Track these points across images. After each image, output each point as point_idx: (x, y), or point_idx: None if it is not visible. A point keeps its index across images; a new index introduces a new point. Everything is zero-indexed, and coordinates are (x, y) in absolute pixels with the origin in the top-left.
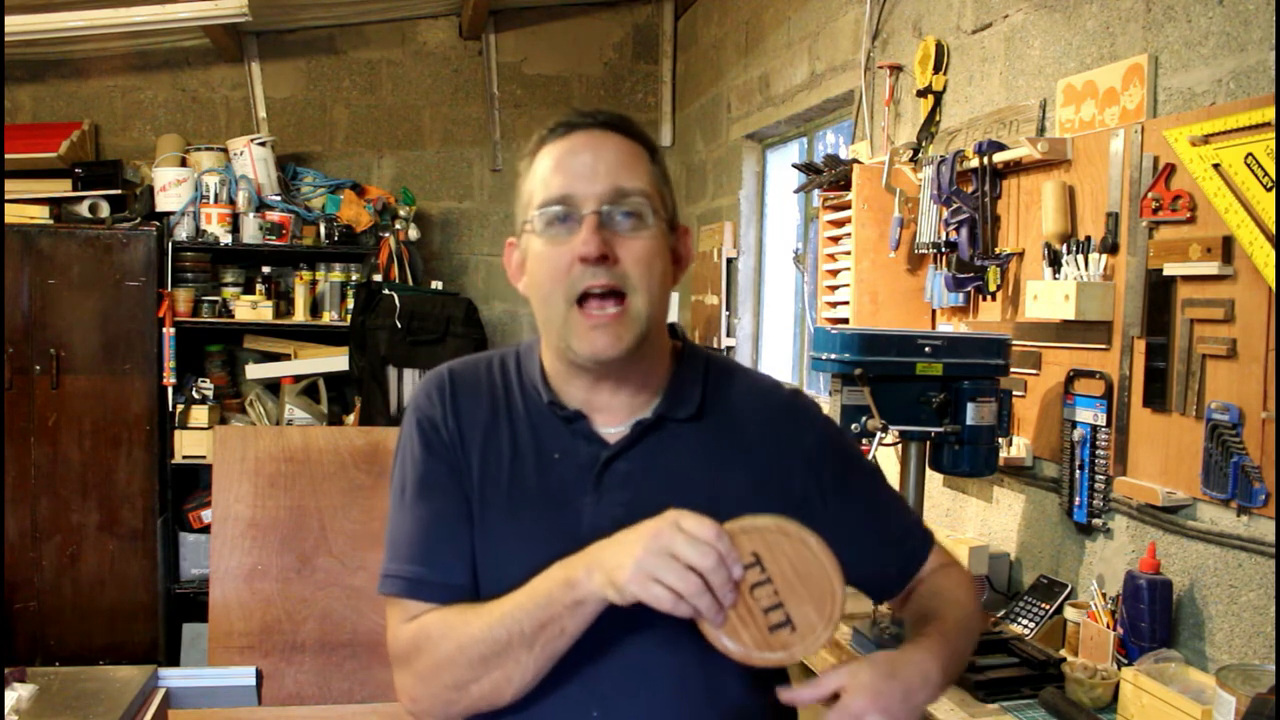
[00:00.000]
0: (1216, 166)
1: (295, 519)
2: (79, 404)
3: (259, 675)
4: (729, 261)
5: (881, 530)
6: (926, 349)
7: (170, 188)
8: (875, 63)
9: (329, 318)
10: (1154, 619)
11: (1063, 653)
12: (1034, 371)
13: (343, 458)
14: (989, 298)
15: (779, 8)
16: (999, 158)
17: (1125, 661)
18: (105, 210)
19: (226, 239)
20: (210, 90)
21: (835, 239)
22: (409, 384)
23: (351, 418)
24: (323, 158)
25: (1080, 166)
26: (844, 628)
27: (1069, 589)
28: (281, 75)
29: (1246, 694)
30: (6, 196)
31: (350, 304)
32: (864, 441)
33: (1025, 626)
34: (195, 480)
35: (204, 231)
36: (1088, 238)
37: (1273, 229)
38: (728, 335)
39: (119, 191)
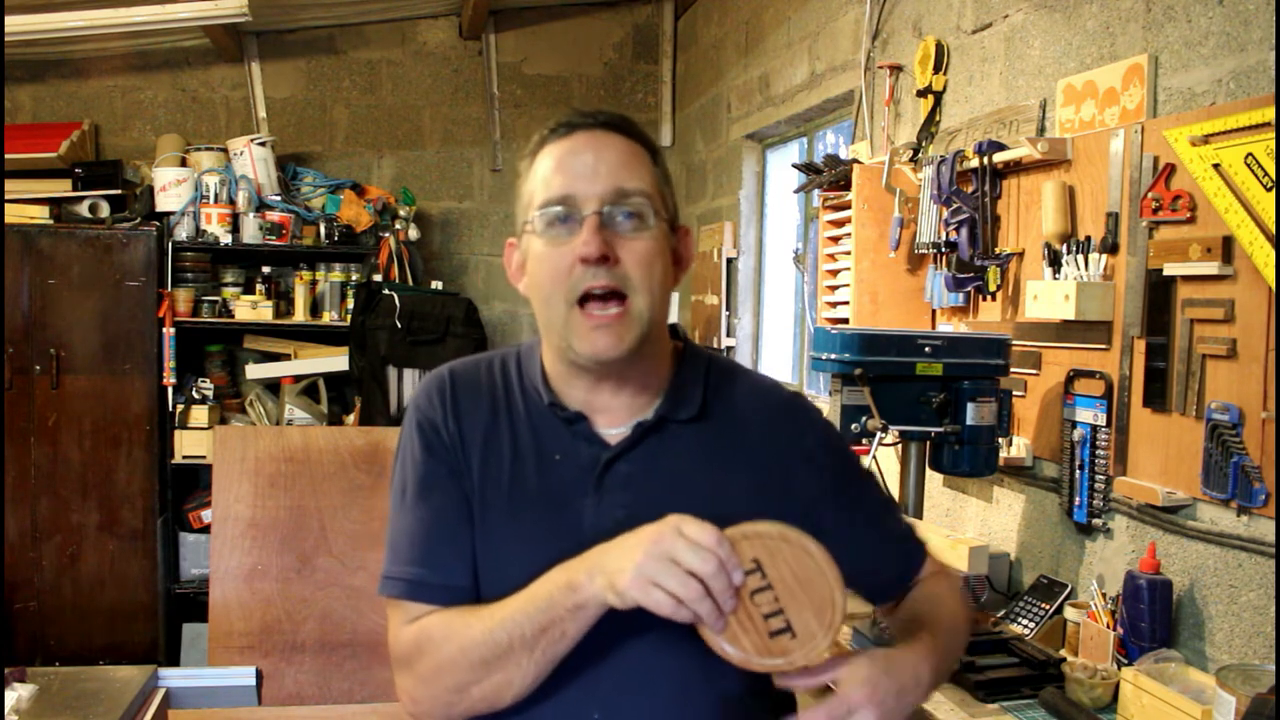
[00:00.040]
0: (1216, 166)
1: (295, 519)
2: (79, 404)
3: (259, 675)
4: (729, 261)
5: (881, 534)
6: (926, 349)
7: (170, 188)
8: (875, 63)
9: (329, 318)
10: (1154, 619)
11: (1063, 653)
12: (1034, 371)
13: (343, 458)
14: (989, 298)
15: (779, 8)
16: (999, 158)
17: (1125, 661)
18: (105, 210)
19: (226, 239)
20: (210, 90)
21: (835, 239)
22: (409, 384)
23: (351, 418)
24: (323, 158)
25: (1080, 166)
26: (844, 628)
27: (1069, 589)
28: (281, 75)
29: (1246, 694)
30: (6, 196)
31: (350, 304)
32: (864, 441)
33: (1025, 626)
34: (195, 480)
35: (204, 231)
36: (1088, 238)
37: (1273, 229)
38: (728, 335)
39: (119, 191)
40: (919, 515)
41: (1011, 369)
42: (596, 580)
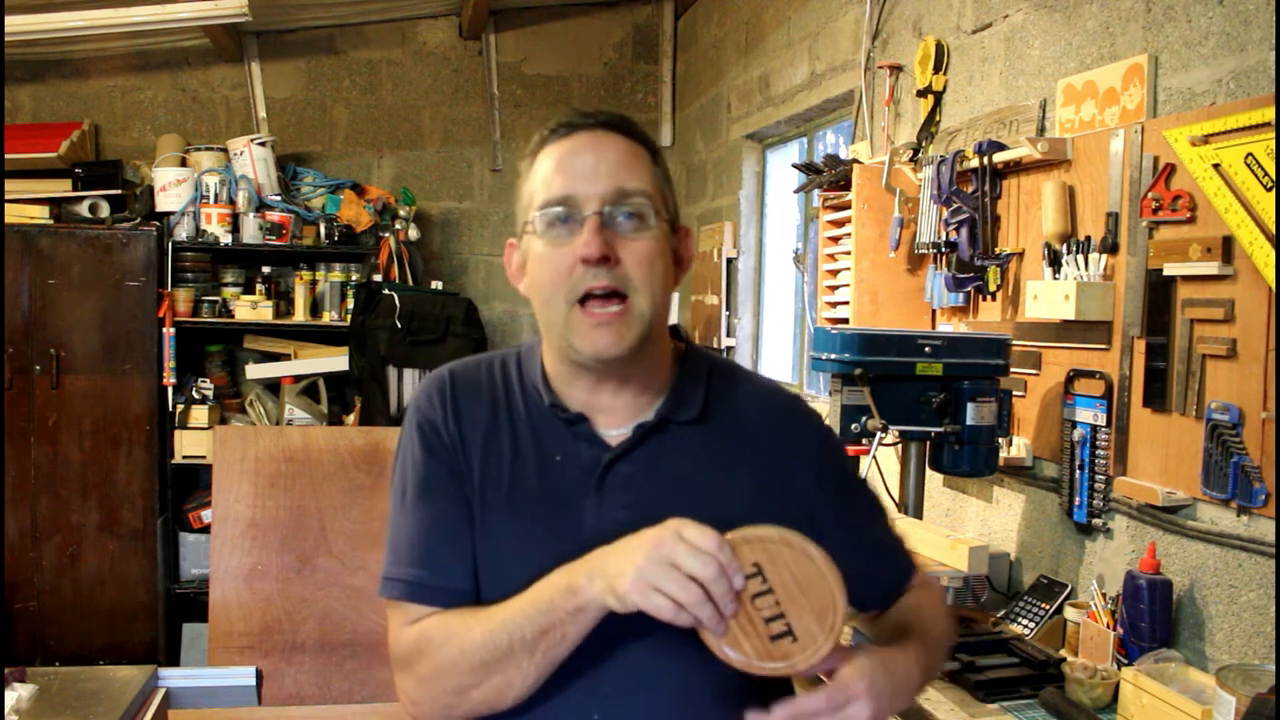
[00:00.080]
0: (1216, 166)
1: (295, 519)
2: (79, 404)
3: (259, 675)
4: (729, 261)
5: (875, 542)
6: (926, 349)
7: (170, 188)
8: (875, 63)
9: (329, 318)
10: (1154, 619)
11: (1063, 653)
12: (1034, 371)
13: (343, 458)
14: (989, 298)
15: (779, 8)
16: (999, 158)
17: (1125, 661)
18: (105, 210)
19: (226, 239)
20: (210, 90)
21: (835, 239)
22: (409, 384)
23: (351, 418)
24: (323, 158)
25: (1080, 166)
26: (845, 631)
27: (1069, 589)
28: (281, 75)
29: (1246, 694)
30: (6, 196)
31: (350, 304)
32: (864, 441)
33: (1025, 626)
34: (195, 480)
35: (204, 231)
36: (1088, 238)
37: (1273, 229)
38: (728, 335)
39: (119, 191)
40: (919, 515)
41: (1011, 369)
42: (596, 583)
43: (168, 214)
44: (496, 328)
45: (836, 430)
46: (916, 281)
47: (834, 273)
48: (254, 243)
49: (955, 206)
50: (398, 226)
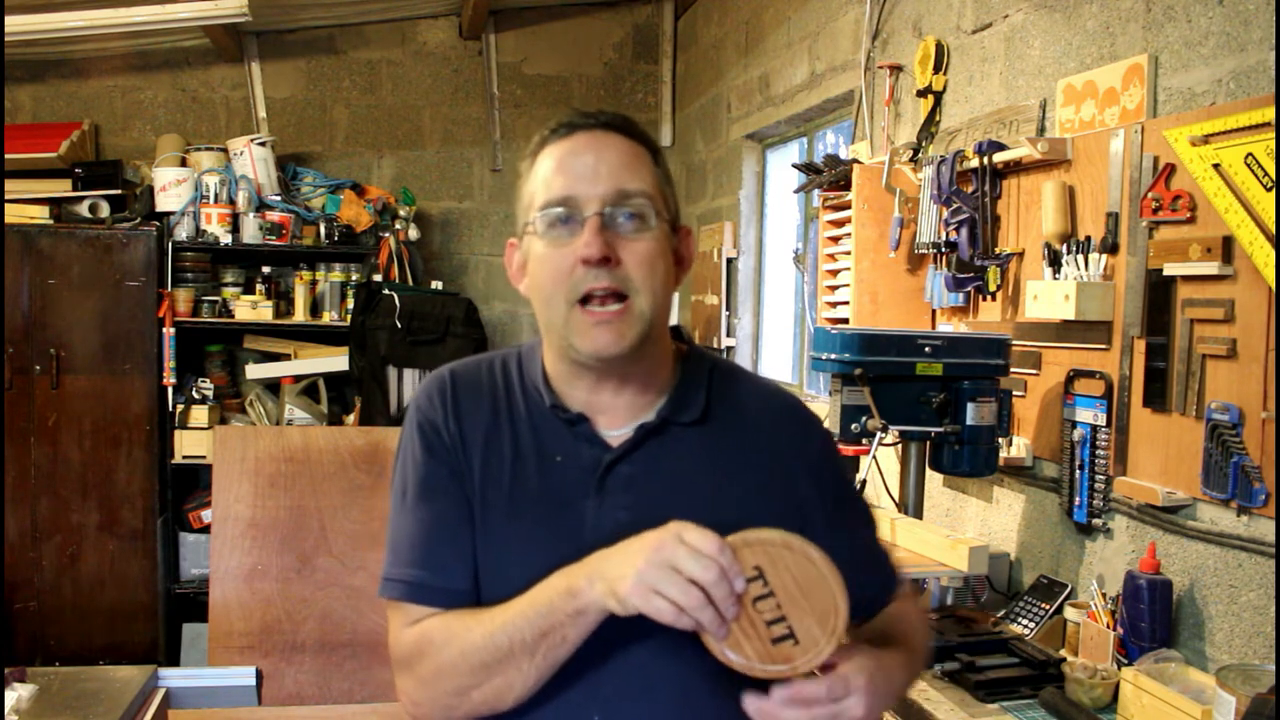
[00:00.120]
0: (1216, 166)
1: (295, 519)
2: (79, 404)
3: (259, 675)
4: (729, 261)
5: (865, 551)
6: (926, 349)
7: (170, 188)
8: (875, 63)
9: (329, 318)
10: (1154, 619)
11: (1063, 653)
12: (1034, 371)
13: (343, 458)
14: (989, 298)
15: (779, 8)
16: (999, 158)
17: (1125, 661)
18: (105, 210)
19: (226, 239)
20: (210, 90)
21: (835, 239)
22: (409, 384)
23: (351, 418)
24: (323, 158)
25: (1080, 166)
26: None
27: (1069, 589)
28: (281, 75)
29: (1246, 694)
30: (6, 196)
31: (350, 304)
32: (864, 441)
33: (1025, 626)
34: (195, 480)
35: (204, 231)
36: (1088, 238)
37: (1273, 229)
38: (728, 335)
39: (119, 191)
40: (919, 515)
41: (1011, 369)
42: (597, 586)
43: (168, 214)
44: (496, 328)
45: (836, 430)
46: (916, 281)
47: (834, 273)
48: (254, 243)
49: (955, 206)
50: (398, 226)
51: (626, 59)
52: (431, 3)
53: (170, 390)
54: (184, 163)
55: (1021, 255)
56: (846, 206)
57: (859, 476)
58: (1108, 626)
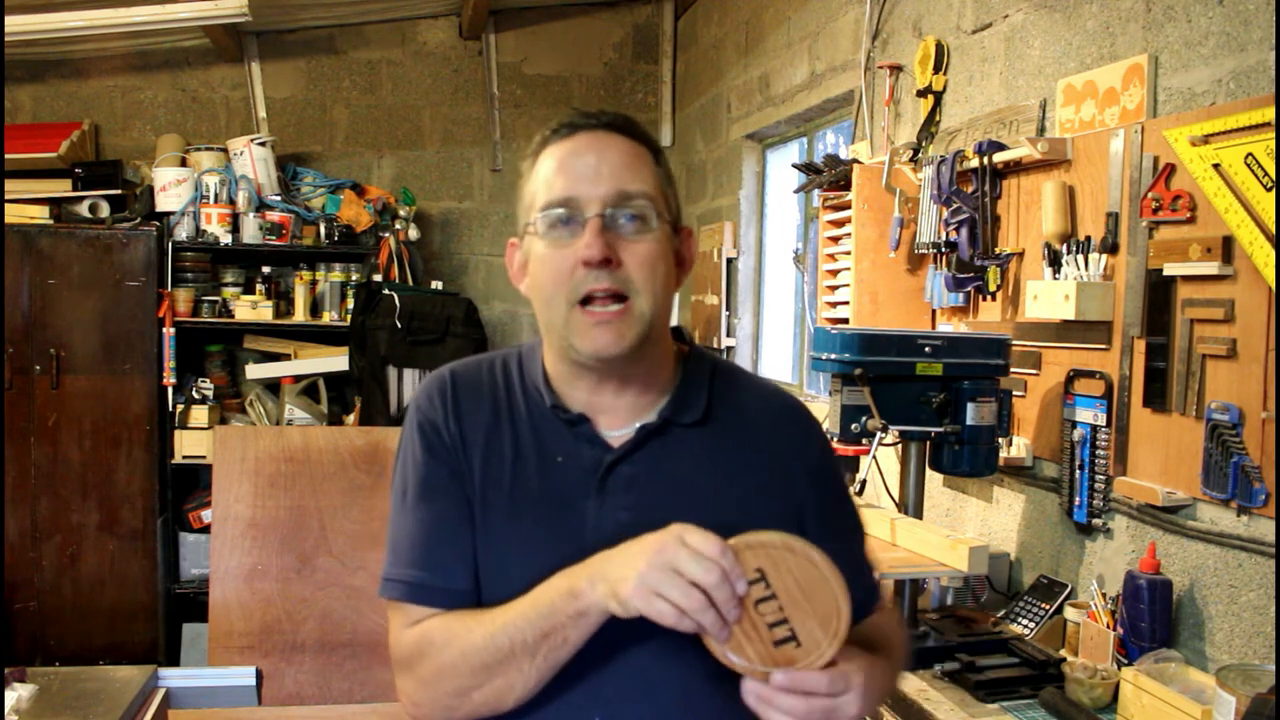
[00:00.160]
0: (1216, 166)
1: (295, 519)
2: (79, 404)
3: (259, 675)
4: (729, 261)
5: (853, 559)
6: (926, 349)
7: (170, 188)
8: (875, 63)
9: (329, 318)
10: (1154, 619)
11: (1063, 653)
12: (1034, 371)
13: (343, 458)
14: (989, 298)
15: (779, 8)
16: (999, 158)
17: (1125, 661)
18: (105, 210)
19: (226, 239)
20: (210, 90)
21: (835, 239)
22: (409, 384)
23: (351, 418)
24: (323, 158)
25: (1080, 166)
26: None
27: (1069, 589)
28: (281, 75)
29: (1246, 694)
30: (6, 196)
31: (350, 304)
32: (864, 441)
33: (1025, 626)
34: (195, 480)
35: (204, 231)
36: (1088, 238)
37: (1273, 229)
38: (728, 335)
39: (119, 191)
40: (919, 515)
41: (1011, 369)
42: (598, 588)
43: (168, 214)
44: (496, 328)
45: (836, 430)
46: (916, 281)
47: (834, 273)
48: (254, 243)
49: (955, 206)
50: (398, 226)
51: (626, 59)
52: (431, 3)
53: (170, 390)
54: (184, 163)
55: (1021, 255)
56: (846, 206)
57: (859, 476)
58: (1108, 626)
